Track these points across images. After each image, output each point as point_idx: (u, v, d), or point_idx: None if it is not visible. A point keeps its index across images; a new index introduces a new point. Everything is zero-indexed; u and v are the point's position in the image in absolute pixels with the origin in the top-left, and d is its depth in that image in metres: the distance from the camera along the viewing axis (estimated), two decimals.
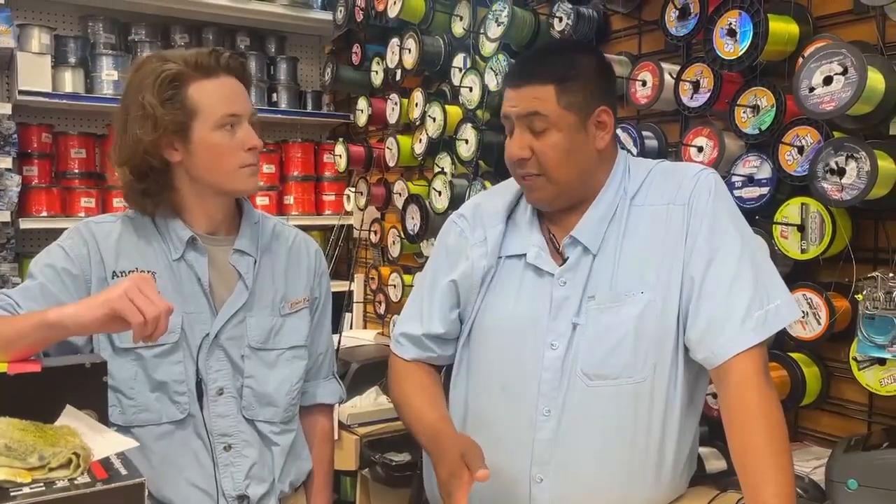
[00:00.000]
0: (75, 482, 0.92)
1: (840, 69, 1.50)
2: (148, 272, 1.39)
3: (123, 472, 0.96)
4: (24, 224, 2.96)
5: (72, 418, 1.07)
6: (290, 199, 3.57)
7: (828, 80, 1.52)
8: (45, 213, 3.02)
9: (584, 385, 1.32)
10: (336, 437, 1.97)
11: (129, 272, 1.39)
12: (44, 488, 0.90)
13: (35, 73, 2.92)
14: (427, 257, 2.78)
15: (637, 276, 1.33)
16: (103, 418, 1.14)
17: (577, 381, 1.32)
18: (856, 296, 1.60)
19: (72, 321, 1.15)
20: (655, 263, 1.33)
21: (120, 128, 1.41)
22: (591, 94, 1.35)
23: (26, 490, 0.89)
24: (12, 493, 0.88)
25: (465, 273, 1.46)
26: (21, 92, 2.89)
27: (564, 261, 1.37)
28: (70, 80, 3.03)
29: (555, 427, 1.33)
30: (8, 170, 2.81)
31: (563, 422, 1.33)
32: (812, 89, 1.54)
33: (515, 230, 1.45)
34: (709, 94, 1.85)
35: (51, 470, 0.93)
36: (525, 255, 1.40)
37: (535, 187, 1.38)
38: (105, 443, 1.01)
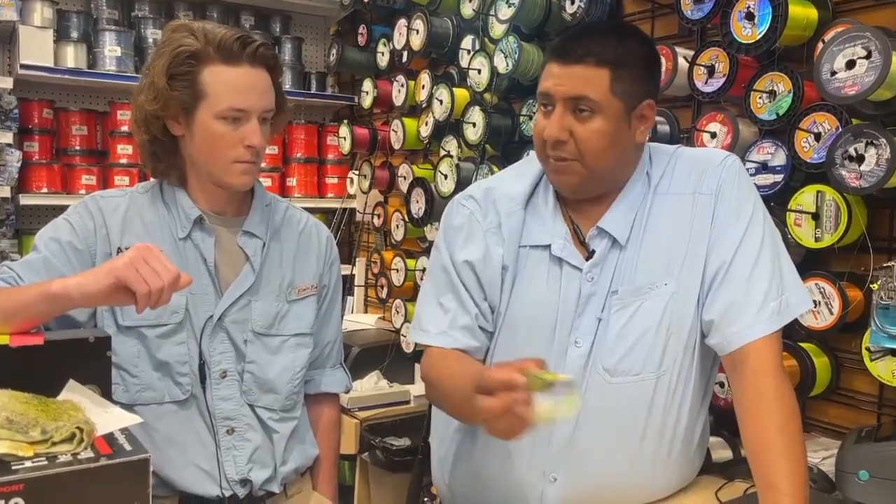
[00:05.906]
0: (78, 457, 0.89)
1: (864, 52, 1.47)
2: None
3: (128, 447, 0.93)
4: (24, 200, 2.93)
5: (75, 393, 1.05)
6: (292, 182, 3.54)
7: (850, 64, 1.49)
8: (45, 190, 2.99)
9: (604, 382, 1.28)
10: None
11: None
12: (46, 463, 0.87)
13: (37, 48, 2.88)
14: (431, 241, 2.77)
15: (662, 267, 1.29)
16: (106, 393, 1.12)
17: (597, 377, 1.29)
18: (871, 285, 1.58)
19: (77, 292, 1.13)
20: (681, 253, 1.29)
21: (138, 88, 1.39)
22: (640, 84, 1.28)
23: (28, 464, 0.86)
24: (14, 467, 0.86)
25: (482, 260, 1.36)
26: (23, 66, 2.85)
27: (591, 253, 1.32)
28: (72, 55, 2.99)
29: (572, 426, 1.29)
30: (8, 145, 2.78)
31: (581, 420, 1.28)
32: (834, 73, 1.52)
33: (537, 217, 1.37)
34: (724, 79, 1.82)
35: (53, 444, 0.90)
36: (549, 245, 1.33)
37: (566, 171, 1.29)
38: (109, 418, 0.99)
